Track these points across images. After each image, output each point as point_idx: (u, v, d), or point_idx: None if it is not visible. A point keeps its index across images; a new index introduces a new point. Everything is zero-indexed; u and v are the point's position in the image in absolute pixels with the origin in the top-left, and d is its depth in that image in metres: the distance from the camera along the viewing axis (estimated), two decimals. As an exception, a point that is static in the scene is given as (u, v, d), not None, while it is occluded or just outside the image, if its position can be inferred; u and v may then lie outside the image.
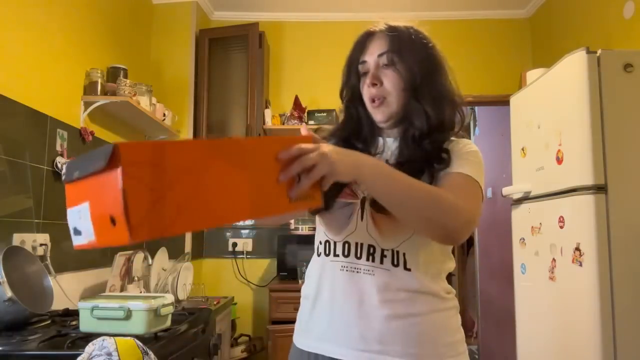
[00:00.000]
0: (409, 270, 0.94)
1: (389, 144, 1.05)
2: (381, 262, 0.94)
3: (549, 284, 2.09)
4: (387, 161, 1.00)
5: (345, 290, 0.96)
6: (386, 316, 0.92)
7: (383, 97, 1.00)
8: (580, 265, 1.87)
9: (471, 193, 0.95)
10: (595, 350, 1.79)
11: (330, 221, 1.02)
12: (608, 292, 1.80)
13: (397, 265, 0.94)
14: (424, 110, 0.98)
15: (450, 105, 1.02)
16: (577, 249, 1.89)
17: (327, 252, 1.01)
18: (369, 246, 0.96)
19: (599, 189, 1.85)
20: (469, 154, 1.00)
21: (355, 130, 1.06)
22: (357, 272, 0.95)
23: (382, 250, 0.95)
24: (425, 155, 0.97)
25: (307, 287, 1.05)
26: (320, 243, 1.04)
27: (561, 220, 2.01)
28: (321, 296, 0.99)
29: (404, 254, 0.95)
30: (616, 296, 1.80)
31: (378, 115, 1.02)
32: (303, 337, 1.03)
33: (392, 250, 0.95)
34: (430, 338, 0.93)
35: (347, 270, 0.96)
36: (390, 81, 1.00)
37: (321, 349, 0.97)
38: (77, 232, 0.66)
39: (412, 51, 1.01)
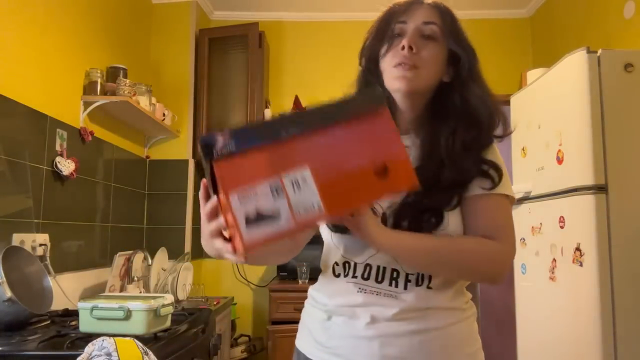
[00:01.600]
0: (431, 289, 0.87)
1: (407, 142, 0.87)
2: (405, 288, 0.86)
3: (549, 284, 2.09)
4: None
5: (364, 309, 0.87)
6: (407, 332, 0.85)
7: (415, 66, 0.84)
8: (581, 265, 1.87)
9: (511, 220, 0.86)
10: (595, 350, 1.79)
11: (351, 242, 0.90)
12: (608, 292, 1.80)
13: (420, 285, 0.87)
14: (476, 108, 0.85)
15: (491, 104, 0.89)
16: (578, 249, 1.89)
17: (346, 273, 0.91)
18: (392, 270, 0.87)
19: (599, 189, 1.85)
20: (503, 163, 0.87)
21: None
22: (378, 294, 0.87)
23: (407, 275, 0.86)
24: (474, 170, 0.84)
25: (320, 297, 0.96)
26: (337, 264, 0.92)
27: (561, 220, 2.01)
28: (337, 312, 0.91)
29: (429, 277, 0.87)
30: (616, 296, 1.79)
31: (402, 82, 0.84)
32: (314, 348, 0.94)
33: (417, 274, 0.86)
34: (452, 351, 0.88)
35: (365, 292, 0.88)
36: (430, 53, 0.85)
37: None
38: (261, 219, 0.53)
39: (458, 32, 0.88)
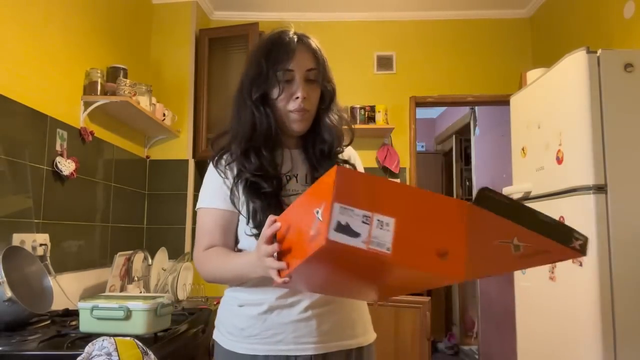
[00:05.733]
0: None
1: (295, 155, 1.12)
2: None
3: (549, 284, 2.09)
4: (296, 176, 1.10)
5: (298, 298, 1.04)
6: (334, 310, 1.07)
7: (306, 110, 1.07)
8: (580, 265, 1.87)
9: None
10: (595, 350, 1.79)
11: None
12: (608, 292, 1.80)
13: None
14: (333, 126, 1.11)
15: (344, 121, 1.16)
16: (577, 249, 1.89)
17: None
18: None
19: (599, 189, 1.85)
20: (360, 163, 1.22)
21: (266, 140, 1.07)
22: None
23: None
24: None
25: (252, 296, 1.07)
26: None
27: (561, 220, 2.01)
28: (272, 304, 1.05)
29: None
30: (616, 296, 1.79)
31: (300, 126, 1.08)
32: (246, 342, 1.06)
33: None
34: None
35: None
36: (314, 96, 1.08)
37: (287, 350, 1.04)
38: (347, 231, 0.67)
39: (328, 72, 1.11)
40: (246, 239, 1.08)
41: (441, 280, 0.76)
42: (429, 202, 0.72)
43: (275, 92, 1.05)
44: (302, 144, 1.14)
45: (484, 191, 0.71)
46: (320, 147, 1.11)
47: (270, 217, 0.87)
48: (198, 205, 1.13)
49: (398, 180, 3.45)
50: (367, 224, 0.67)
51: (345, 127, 1.16)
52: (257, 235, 1.03)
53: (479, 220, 0.72)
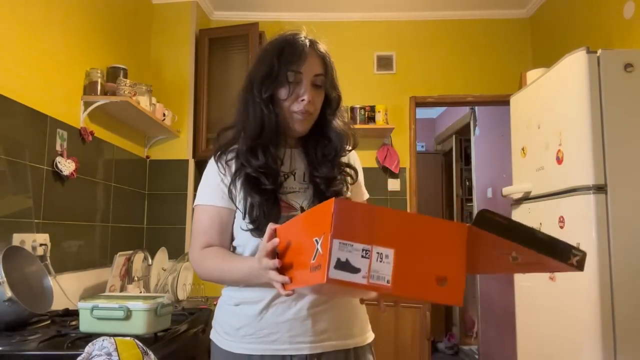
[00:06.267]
0: None
1: (294, 154, 1.15)
2: None
3: (549, 284, 2.09)
4: (294, 173, 1.12)
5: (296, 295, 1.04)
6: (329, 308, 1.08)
7: (310, 113, 1.09)
8: (580, 265, 1.87)
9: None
10: (595, 350, 1.79)
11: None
12: (608, 292, 1.80)
13: None
14: (339, 132, 1.14)
15: (349, 127, 1.18)
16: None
17: None
18: None
19: (599, 189, 1.85)
20: (360, 167, 1.23)
21: (273, 138, 1.09)
22: None
23: None
24: (339, 171, 1.14)
25: (250, 294, 1.08)
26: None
27: (561, 220, 2.01)
28: (268, 302, 1.05)
29: None
30: (616, 296, 1.80)
31: (302, 126, 1.10)
32: (242, 342, 1.07)
33: None
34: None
35: None
36: (319, 101, 1.11)
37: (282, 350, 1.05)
38: (346, 267, 0.68)
39: (334, 79, 1.14)
40: (241, 233, 1.08)
41: (439, 302, 0.77)
42: (428, 228, 0.73)
43: (283, 92, 1.07)
44: (303, 144, 1.16)
45: (483, 213, 0.72)
46: (323, 150, 1.13)
47: (270, 227, 0.88)
48: (196, 202, 1.14)
49: (398, 181, 3.45)
50: (367, 257, 0.68)
51: (349, 131, 1.18)
52: (252, 231, 1.04)
53: (478, 239, 0.73)
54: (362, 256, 0.68)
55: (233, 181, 1.09)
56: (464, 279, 0.72)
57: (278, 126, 1.08)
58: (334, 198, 0.72)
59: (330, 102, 1.14)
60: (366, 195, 1.28)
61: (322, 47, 1.12)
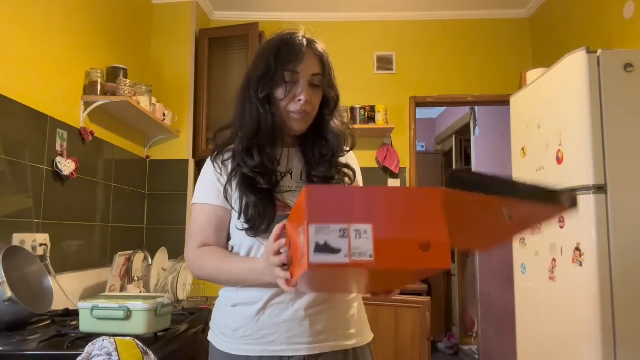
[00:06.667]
0: None
1: (292, 153, 1.15)
2: None
3: (549, 284, 2.09)
4: (290, 172, 1.12)
5: (288, 295, 1.04)
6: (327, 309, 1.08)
7: (308, 112, 1.09)
8: (580, 265, 1.87)
9: None
10: (595, 350, 1.79)
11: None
12: (608, 292, 1.80)
13: None
14: (337, 132, 1.13)
15: (347, 127, 1.18)
16: (577, 249, 1.89)
17: None
18: None
19: (599, 189, 1.85)
20: (357, 167, 1.23)
21: (269, 138, 1.08)
22: None
23: None
24: (336, 171, 1.14)
25: (247, 294, 1.07)
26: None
27: (561, 220, 2.01)
28: (265, 303, 1.05)
29: None
30: (616, 296, 1.80)
31: (300, 125, 1.10)
32: (238, 343, 1.06)
33: None
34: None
35: None
36: (316, 101, 1.10)
37: (280, 351, 1.04)
38: (326, 249, 0.69)
39: (332, 79, 1.13)
40: (237, 233, 1.08)
41: (431, 270, 0.77)
42: (402, 198, 0.74)
43: (280, 92, 1.07)
44: (300, 143, 1.16)
45: (454, 173, 0.72)
46: (321, 150, 1.13)
47: (278, 227, 0.88)
48: (193, 200, 1.14)
49: (398, 181, 3.45)
50: (345, 237, 0.69)
51: (348, 132, 1.18)
52: (247, 230, 1.04)
53: (459, 201, 0.73)
54: (341, 236, 0.68)
55: (229, 181, 1.08)
56: (447, 240, 0.72)
57: (274, 126, 1.08)
58: (304, 187, 0.72)
59: (328, 102, 1.14)
60: None
61: (320, 46, 1.11)
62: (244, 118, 1.09)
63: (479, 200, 0.72)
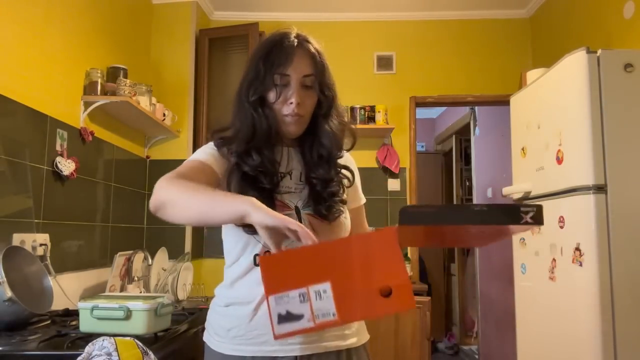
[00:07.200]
0: None
1: (292, 153, 1.13)
2: None
3: (549, 284, 2.09)
4: (290, 173, 1.10)
5: None
6: None
7: (300, 115, 1.06)
8: (580, 265, 1.87)
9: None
10: (595, 350, 1.79)
11: (272, 234, 1.02)
12: (608, 292, 1.80)
13: None
14: (332, 133, 1.11)
15: (346, 126, 1.15)
16: (577, 249, 1.89)
17: None
18: None
19: (599, 189, 1.85)
20: (355, 168, 1.20)
21: (266, 140, 1.06)
22: None
23: None
24: (335, 173, 1.12)
25: (240, 292, 1.07)
26: (258, 254, 1.05)
27: (561, 220, 2.01)
28: (259, 303, 1.03)
29: None
30: (616, 296, 1.80)
31: (294, 129, 1.08)
32: (240, 343, 1.05)
33: None
34: None
35: None
36: (309, 103, 1.08)
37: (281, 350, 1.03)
38: (289, 318, 0.69)
39: (326, 78, 1.10)
40: (231, 230, 1.07)
41: (392, 313, 0.77)
42: (357, 247, 0.73)
43: (271, 96, 1.06)
44: (299, 143, 1.15)
45: (405, 209, 0.70)
46: (319, 151, 1.11)
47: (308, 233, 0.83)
48: (189, 158, 1.11)
49: (398, 181, 3.45)
50: (306, 301, 0.69)
51: (347, 131, 1.16)
52: (245, 227, 1.00)
53: (415, 234, 0.73)
54: (301, 301, 0.69)
55: (230, 173, 1.06)
56: (408, 282, 0.71)
57: (270, 129, 1.06)
58: (259, 257, 0.71)
59: (321, 103, 1.11)
60: (363, 201, 1.25)
61: (313, 45, 1.09)
62: (240, 122, 1.08)
63: (437, 231, 0.72)
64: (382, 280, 0.71)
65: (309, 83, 1.07)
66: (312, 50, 1.08)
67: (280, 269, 0.71)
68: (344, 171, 1.16)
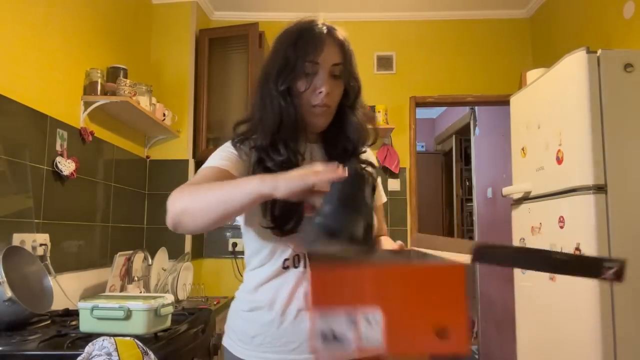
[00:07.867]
0: None
1: (314, 150, 1.10)
2: None
3: (549, 284, 2.09)
4: None
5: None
6: None
7: (329, 105, 1.03)
8: (580, 265, 1.87)
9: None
10: (595, 350, 1.79)
11: (299, 238, 1.01)
12: (608, 292, 1.80)
13: None
14: (359, 124, 1.07)
15: (371, 119, 1.13)
16: (577, 249, 1.89)
17: (296, 265, 1.03)
18: None
19: (599, 189, 1.85)
20: (376, 164, 1.16)
21: (292, 131, 1.02)
22: None
23: None
24: (361, 169, 1.09)
25: (263, 296, 1.04)
26: (288, 258, 1.03)
27: (561, 220, 2.01)
28: (283, 307, 1.01)
29: None
30: (616, 296, 1.80)
31: (321, 121, 1.04)
32: (265, 351, 1.02)
33: None
34: None
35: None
36: (337, 93, 1.04)
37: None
38: (334, 338, 0.64)
39: (354, 68, 1.07)
40: (258, 234, 1.03)
41: (443, 355, 0.72)
42: (419, 278, 0.67)
43: (301, 85, 1.01)
44: (322, 139, 1.11)
45: (480, 247, 0.66)
46: (344, 144, 1.07)
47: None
48: (203, 166, 1.04)
49: (398, 181, 3.45)
50: (354, 324, 0.64)
51: (371, 125, 1.12)
52: (273, 229, 0.99)
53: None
54: (349, 323, 0.64)
55: (253, 171, 1.01)
56: (465, 326, 0.66)
57: (297, 120, 1.01)
58: (310, 269, 0.67)
59: (348, 94, 1.07)
60: (383, 199, 1.22)
61: (341, 33, 1.05)
62: (265, 112, 1.03)
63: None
64: (439, 318, 0.65)
65: (337, 72, 1.03)
66: (341, 38, 1.05)
67: (331, 285, 0.65)
68: (368, 168, 1.12)
